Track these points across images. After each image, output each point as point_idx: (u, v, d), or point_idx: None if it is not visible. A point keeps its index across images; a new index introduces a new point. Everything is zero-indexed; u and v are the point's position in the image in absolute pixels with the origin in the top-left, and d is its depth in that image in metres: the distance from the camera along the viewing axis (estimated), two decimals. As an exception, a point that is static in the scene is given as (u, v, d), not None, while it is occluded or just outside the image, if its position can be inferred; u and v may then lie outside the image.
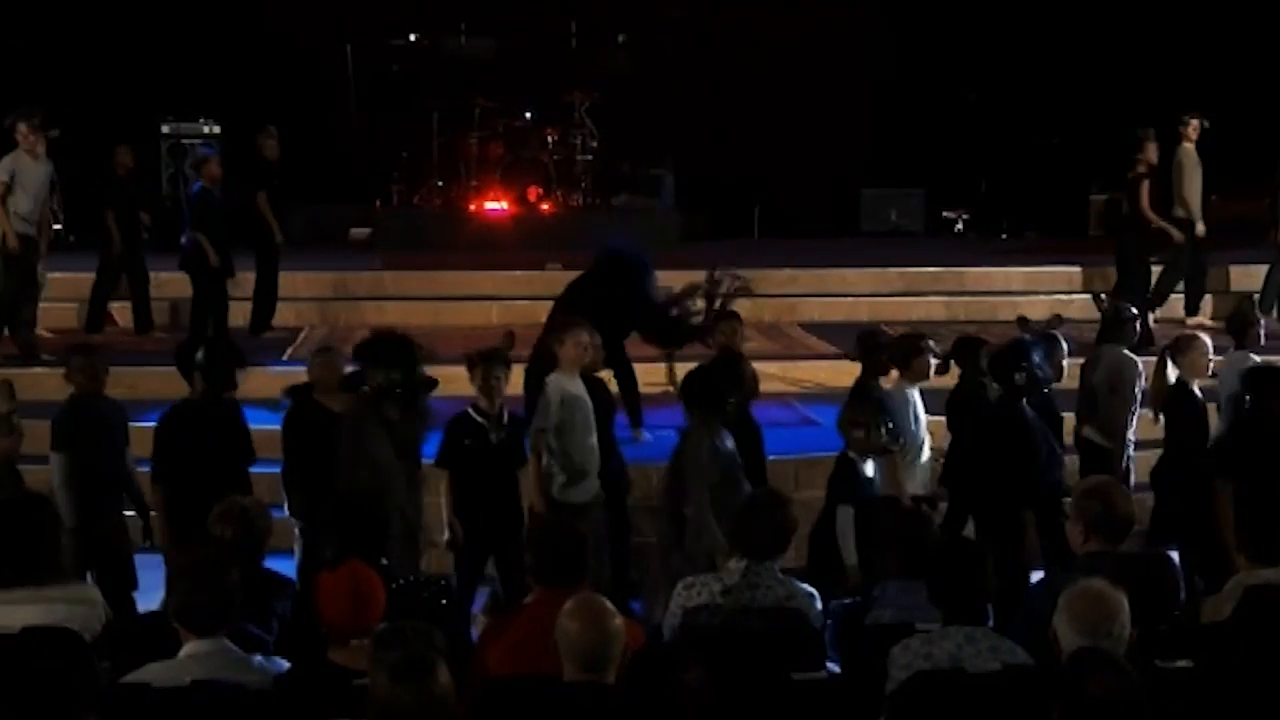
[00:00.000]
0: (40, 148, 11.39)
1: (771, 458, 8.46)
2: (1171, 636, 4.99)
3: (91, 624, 5.19)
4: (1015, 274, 14.97)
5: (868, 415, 7.57)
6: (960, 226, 18.71)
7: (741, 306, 13.63)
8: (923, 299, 14.42)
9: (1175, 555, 6.80)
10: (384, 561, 5.73)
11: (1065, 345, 8.83)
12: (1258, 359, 8.65)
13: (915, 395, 8.25)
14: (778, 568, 5.71)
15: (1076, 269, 14.64)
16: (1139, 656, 4.49)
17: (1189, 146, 13.29)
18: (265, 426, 8.24)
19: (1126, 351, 9.05)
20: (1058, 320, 9.52)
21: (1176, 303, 13.68)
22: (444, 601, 5.41)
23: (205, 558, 5.00)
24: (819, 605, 5.72)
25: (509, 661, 4.92)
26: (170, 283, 13.44)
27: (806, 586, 5.75)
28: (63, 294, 13.31)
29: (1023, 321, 9.41)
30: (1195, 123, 13.30)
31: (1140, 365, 8.98)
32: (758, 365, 8.93)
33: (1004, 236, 18.27)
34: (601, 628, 4.43)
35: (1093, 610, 4.44)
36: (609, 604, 4.55)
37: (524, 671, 4.77)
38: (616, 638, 4.45)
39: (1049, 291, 14.54)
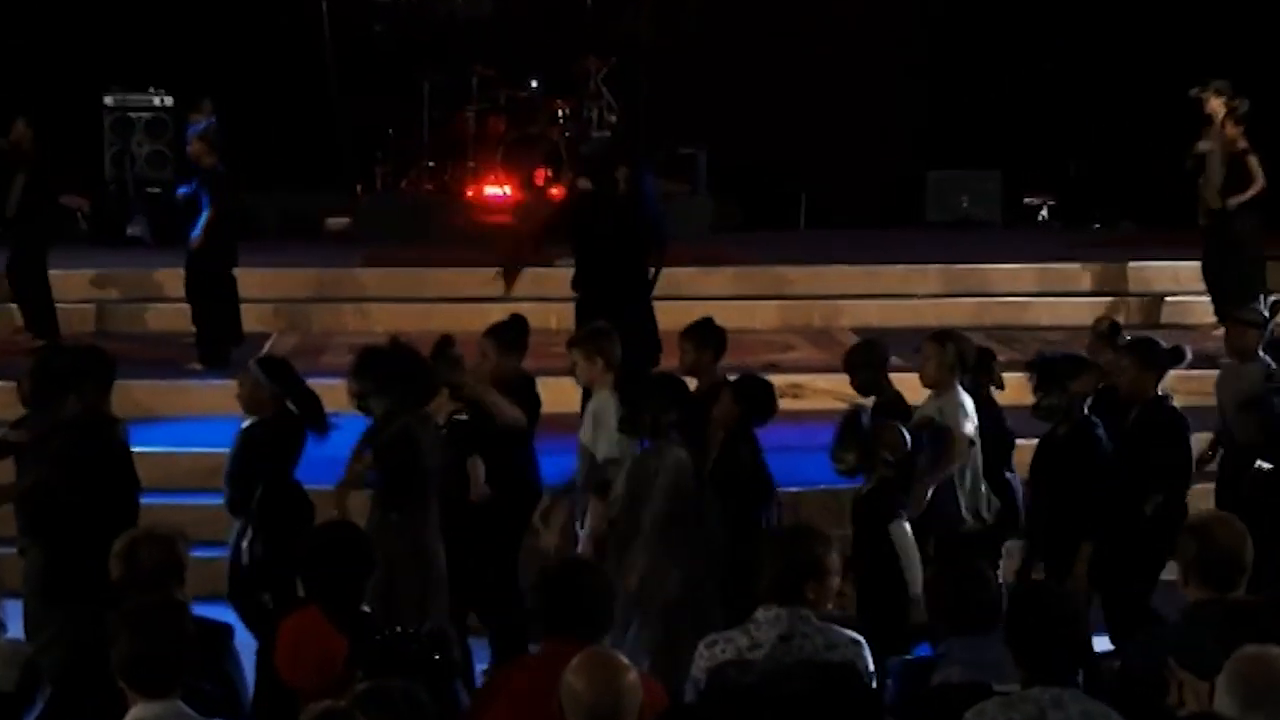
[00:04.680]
0: None
1: (796, 488, 8.52)
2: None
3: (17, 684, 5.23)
4: (1111, 271, 14.95)
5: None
6: (1044, 215, 18.67)
7: (787, 310, 13.67)
8: (997, 300, 14.41)
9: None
10: (365, 609, 5.76)
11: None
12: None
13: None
14: (813, 614, 5.72)
15: (1185, 264, 14.60)
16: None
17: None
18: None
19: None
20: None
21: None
22: (436, 657, 5.43)
23: (153, 603, 5.03)
24: (868, 655, 5.72)
25: (514, 720, 4.94)
26: (112, 279, 13.55)
27: (849, 633, 5.76)
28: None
29: (1115, 329, 9.46)
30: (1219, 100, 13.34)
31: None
32: (805, 378, 9.02)
33: (1096, 227, 18.22)
34: (613, 685, 4.45)
35: (1261, 678, 4.42)
36: (622, 658, 4.58)
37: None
38: (630, 694, 4.46)
39: (1145, 293, 14.52)
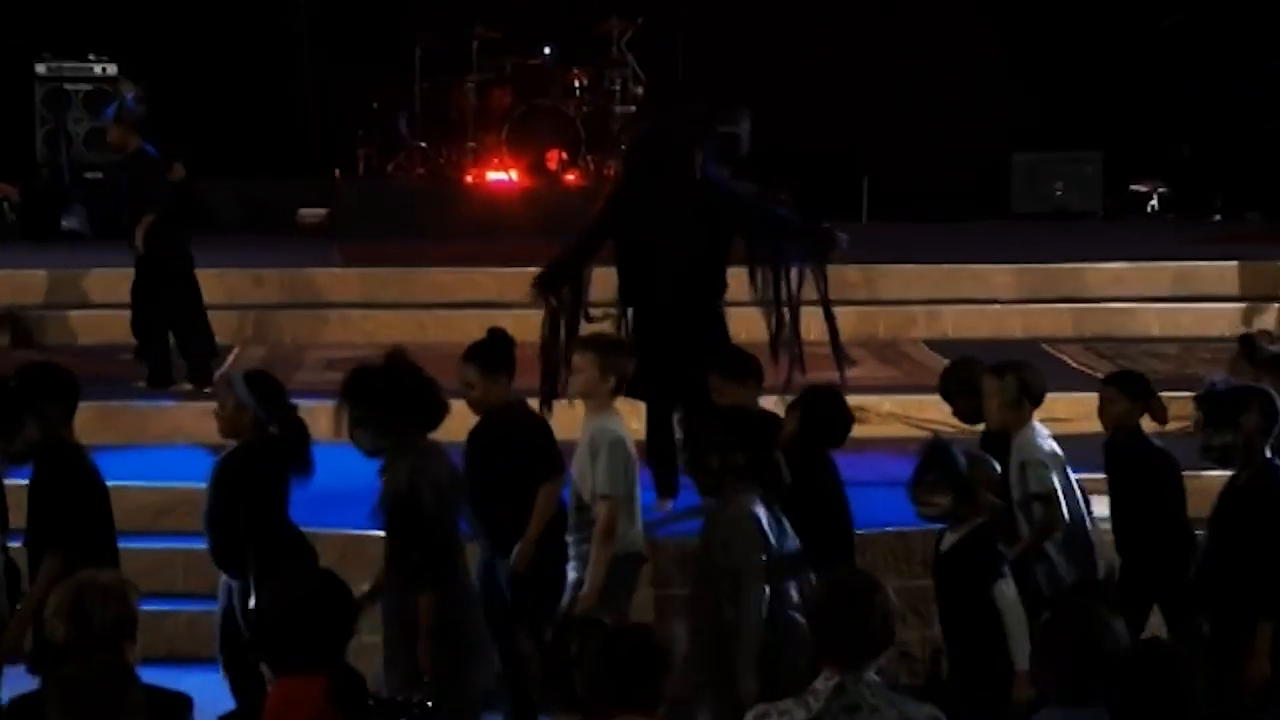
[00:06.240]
0: None
1: (860, 530, 8.56)
2: None
3: None
4: (1235, 270, 14.89)
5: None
6: (1154, 204, 18.65)
7: (847, 318, 13.61)
8: (1098, 306, 14.38)
9: None
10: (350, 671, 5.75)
11: None
12: None
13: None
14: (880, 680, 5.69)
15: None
16: None
17: None
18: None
19: None
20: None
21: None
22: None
23: (96, 669, 5.02)
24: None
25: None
26: (41, 281, 13.55)
27: (928, 707, 5.71)
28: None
29: (1249, 345, 9.37)
30: None
31: None
32: (870, 399, 8.99)
33: (1217, 218, 18.19)
34: None
35: None
36: None
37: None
38: None
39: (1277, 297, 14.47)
